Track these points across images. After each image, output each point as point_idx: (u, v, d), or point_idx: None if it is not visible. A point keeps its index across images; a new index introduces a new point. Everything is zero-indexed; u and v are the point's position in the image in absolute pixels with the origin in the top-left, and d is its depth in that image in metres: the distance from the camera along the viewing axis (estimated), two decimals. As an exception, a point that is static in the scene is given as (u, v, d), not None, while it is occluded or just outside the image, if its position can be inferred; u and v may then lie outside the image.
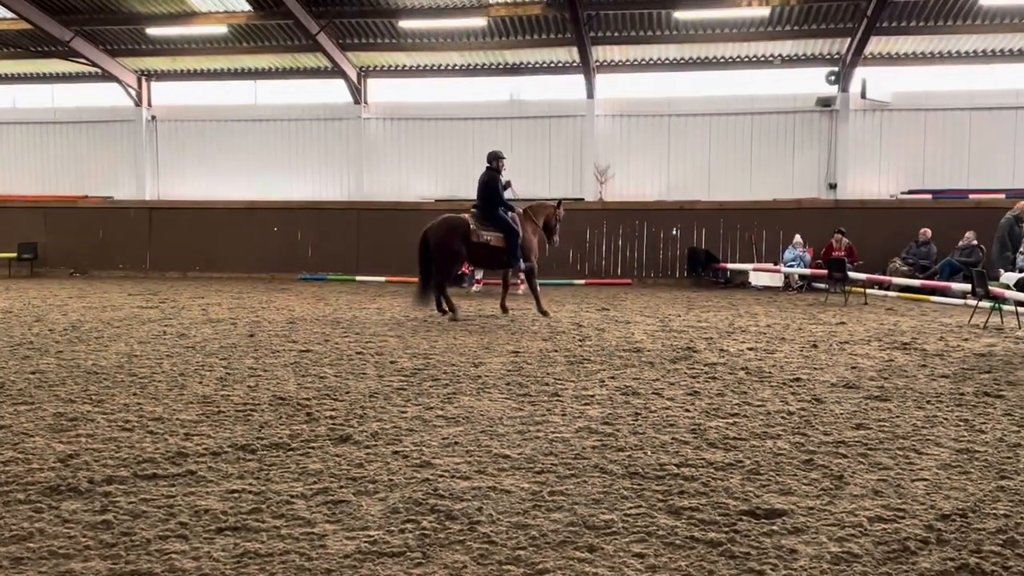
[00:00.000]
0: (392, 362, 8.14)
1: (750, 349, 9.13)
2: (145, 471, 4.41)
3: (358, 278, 21.66)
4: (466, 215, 12.09)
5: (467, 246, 11.87)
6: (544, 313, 12.36)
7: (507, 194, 12.41)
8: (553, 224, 13.09)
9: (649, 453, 4.81)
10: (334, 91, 24.72)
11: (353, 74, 24.00)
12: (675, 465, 4.57)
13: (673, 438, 5.16)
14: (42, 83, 26.16)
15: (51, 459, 4.63)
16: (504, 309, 12.71)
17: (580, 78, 23.01)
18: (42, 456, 4.69)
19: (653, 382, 7.08)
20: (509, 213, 12.16)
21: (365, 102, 24.53)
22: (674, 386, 6.92)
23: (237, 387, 6.76)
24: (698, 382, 7.10)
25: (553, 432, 5.30)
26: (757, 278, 19.84)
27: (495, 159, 12.36)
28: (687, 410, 5.98)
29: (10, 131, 26.58)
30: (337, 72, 23.68)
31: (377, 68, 24.35)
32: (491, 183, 12.16)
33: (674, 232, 21.58)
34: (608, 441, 5.08)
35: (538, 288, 12.68)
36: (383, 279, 20.96)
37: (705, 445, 5.01)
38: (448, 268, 11.95)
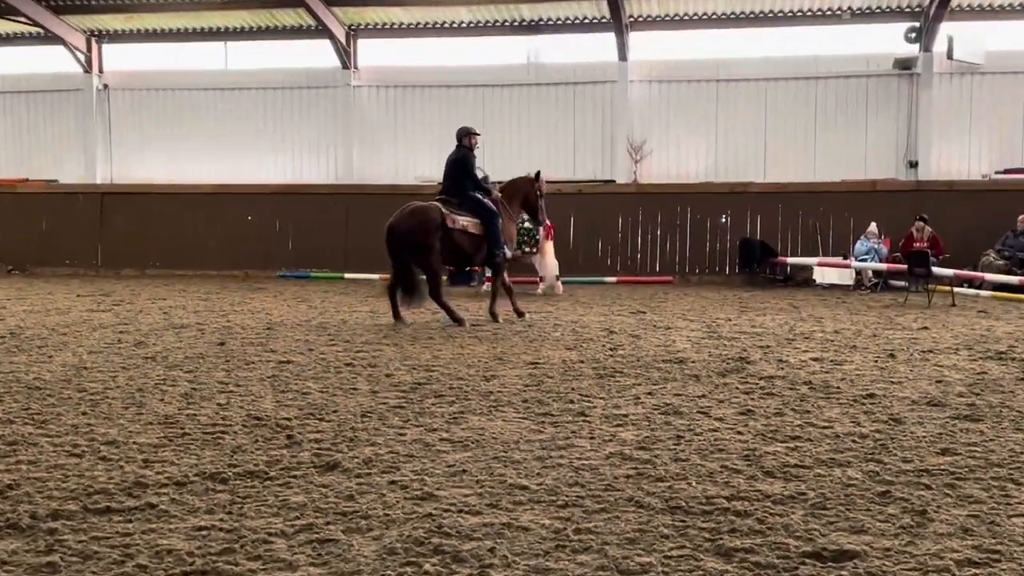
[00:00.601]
0: (388, 375, 8.16)
1: (814, 360, 9.09)
2: (97, 504, 4.44)
3: (347, 275, 21.76)
4: (435, 202, 12.11)
5: (441, 234, 11.78)
6: (494, 317, 12.34)
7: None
8: (535, 201, 13.14)
9: (694, 483, 4.80)
10: (319, 54, 24.83)
11: (341, 33, 24.10)
12: (725, 498, 4.55)
13: (722, 466, 5.15)
14: (-26, 46, 26.40)
15: (-13, 490, 4.67)
16: (519, 313, 12.68)
17: (610, 36, 23.01)
18: (-24, 486, 4.73)
19: (698, 399, 7.06)
20: (492, 195, 12.34)
21: (355, 67, 24.62)
22: (723, 404, 6.89)
23: (205, 405, 6.79)
24: (752, 399, 7.08)
25: (579, 458, 5.30)
26: (823, 275, 19.76)
27: (466, 135, 12.54)
28: (739, 432, 5.96)
29: (-65, 103, 26.84)
30: (322, 31, 23.78)
31: (369, 26, 24.44)
32: (463, 161, 12.31)
33: (723, 220, 21.54)
34: (645, 469, 5.07)
35: (507, 283, 12.74)
36: (376, 277, 21.02)
37: (761, 474, 4.99)
38: (429, 265, 11.85)
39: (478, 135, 12.74)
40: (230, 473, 4.96)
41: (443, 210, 11.84)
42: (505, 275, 12.84)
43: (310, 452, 5.43)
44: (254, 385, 7.66)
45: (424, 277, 11.94)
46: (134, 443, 5.62)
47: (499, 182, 13.54)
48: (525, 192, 13.06)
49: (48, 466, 5.11)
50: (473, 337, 10.81)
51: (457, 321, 11.75)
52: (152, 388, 7.47)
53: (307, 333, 11.19)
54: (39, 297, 16.13)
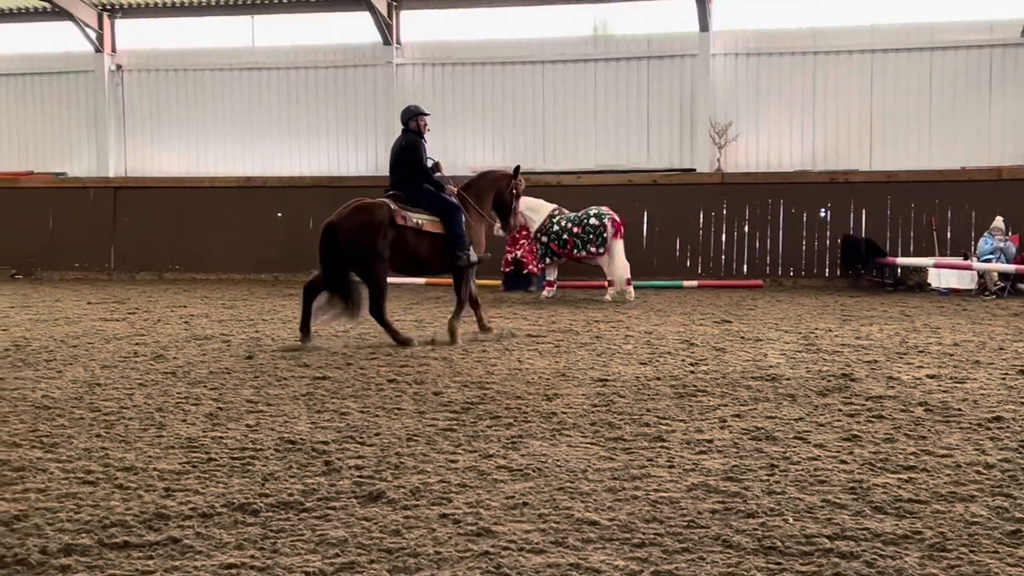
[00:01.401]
0: (436, 393, 8.22)
1: (930, 377, 8.97)
2: (114, 538, 4.53)
3: (390, 280, 21.94)
4: (383, 199, 11.56)
5: (390, 237, 11.21)
6: (452, 335, 11.51)
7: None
8: (509, 201, 12.64)
9: (791, 520, 4.77)
10: (357, 28, 25.08)
11: (382, 4, 24.32)
12: (827, 537, 4.52)
13: (824, 500, 5.11)
14: (-27, 23, 27.05)
15: (-8, 521, 4.79)
16: (483, 327, 12.02)
17: (690, 4, 22.92)
18: (-19, 517, 4.86)
19: (795, 423, 7.01)
20: (448, 187, 11.88)
21: (398, 42, 24.83)
22: (824, 428, 6.83)
23: (232, 427, 6.89)
24: (858, 423, 7.00)
25: (657, 490, 5.29)
26: (940, 277, 19.45)
27: (413, 117, 11.97)
28: (843, 461, 5.91)
29: (-67, 87, 27.54)
30: (360, 2, 24.01)
31: (414, -5, 24.63)
32: (410, 148, 11.77)
33: (822, 214, 21.33)
34: (733, 503, 5.05)
35: (472, 292, 12.08)
36: (422, 281, 21.15)
37: (869, 510, 4.94)
38: (373, 274, 11.26)
39: (427, 116, 12.16)
40: (261, 504, 5.03)
41: (392, 207, 11.29)
42: (473, 283, 12.15)
43: (350, 480, 5.49)
44: (286, 404, 7.75)
45: (366, 287, 11.34)
46: (154, 469, 5.73)
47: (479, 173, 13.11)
48: (499, 188, 12.50)
49: (59, 495, 5.23)
50: (532, 350, 10.84)
51: (402, 343, 11.16)
52: (173, 407, 7.60)
53: (344, 345, 11.30)
54: (46, 305, 16.49)
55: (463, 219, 11.67)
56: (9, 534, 4.61)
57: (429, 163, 11.92)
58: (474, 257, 11.76)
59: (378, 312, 11.30)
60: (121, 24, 26.43)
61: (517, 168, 12.84)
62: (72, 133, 26.65)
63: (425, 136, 12.03)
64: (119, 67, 26.36)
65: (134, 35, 26.45)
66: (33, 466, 5.81)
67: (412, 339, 11.35)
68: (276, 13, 25.50)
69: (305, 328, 11.23)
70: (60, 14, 25.51)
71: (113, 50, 26.31)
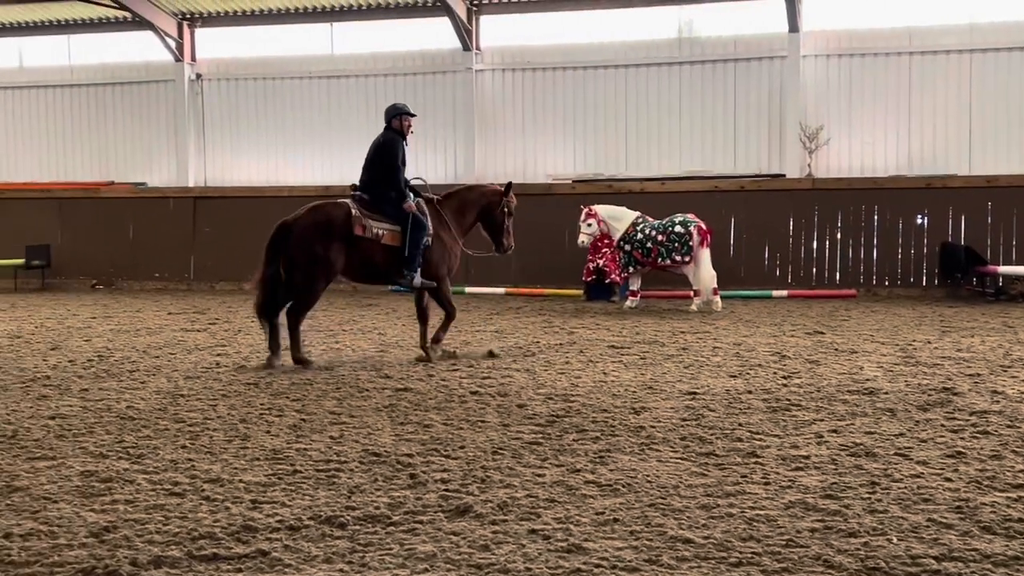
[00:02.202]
0: (520, 405, 8.25)
1: (1038, 391, 8.80)
2: (203, 550, 4.63)
3: (467, 290, 22.04)
4: (346, 199, 11.18)
5: (346, 245, 10.80)
6: (427, 354, 11.12)
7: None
8: (500, 220, 11.95)
9: (895, 540, 4.71)
10: (436, 34, 25.30)
11: (462, 9, 24.50)
12: (934, 558, 4.46)
13: (929, 519, 5.03)
14: (56, 33, 27.86)
15: (82, 533, 4.92)
16: (424, 352, 11.27)
17: (779, 4, 22.73)
18: (70, 529, 4.99)
19: (895, 438, 6.91)
20: (407, 201, 11.08)
21: (477, 48, 25.00)
22: (927, 444, 6.73)
23: (316, 438, 6.99)
24: (962, 439, 6.89)
25: (753, 507, 5.25)
26: (1044, 287, 19.00)
27: (396, 115, 11.47)
28: (948, 479, 5.82)
29: (15, 97, 28.43)
30: (440, 7, 24.23)
31: (495, 0, 24.75)
32: (385, 147, 11.28)
33: (919, 221, 20.96)
34: (833, 522, 5.00)
35: (426, 309, 11.57)
36: (502, 291, 21.23)
37: (977, 530, 4.86)
38: (312, 283, 10.82)
39: (412, 116, 11.63)
40: (348, 517, 5.10)
41: (353, 212, 10.86)
42: (426, 298, 11.59)
43: (436, 494, 5.54)
44: (369, 416, 7.84)
45: (299, 298, 10.88)
46: (240, 481, 5.84)
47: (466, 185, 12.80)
48: (486, 205, 11.91)
49: (147, 506, 5.35)
50: (617, 362, 10.82)
51: (300, 361, 10.62)
52: (256, 419, 7.73)
53: (438, 354, 11.38)
54: (127, 315, 16.86)
55: (424, 237, 11.10)
56: (99, 545, 4.73)
57: (418, 182, 11.63)
58: (418, 282, 11.11)
59: (295, 319, 10.82)
60: (201, 33, 26.98)
61: (509, 185, 12.19)
62: (152, 143, 27.25)
63: (407, 138, 11.56)
64: (199, 76, 26.90)
65: (213, 44, 26.98)
66: (120, 477, 5.95)
67: (313, 362, 10.73)
68: (355, 20, 25.82)
69: (274, 347, 10.75)
70: (140, 24, 26.11)
71: (193, 59, 26.86)
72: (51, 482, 5.87)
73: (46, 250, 24.61)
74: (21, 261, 24.11)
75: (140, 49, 27.20)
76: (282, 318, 10.88)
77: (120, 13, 26.09)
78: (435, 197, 11.74)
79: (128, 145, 27.52)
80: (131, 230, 25.15)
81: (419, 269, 11.11)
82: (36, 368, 10.53)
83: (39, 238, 24.89)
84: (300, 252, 10.69)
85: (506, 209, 11.96)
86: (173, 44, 26.50)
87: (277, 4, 25.79)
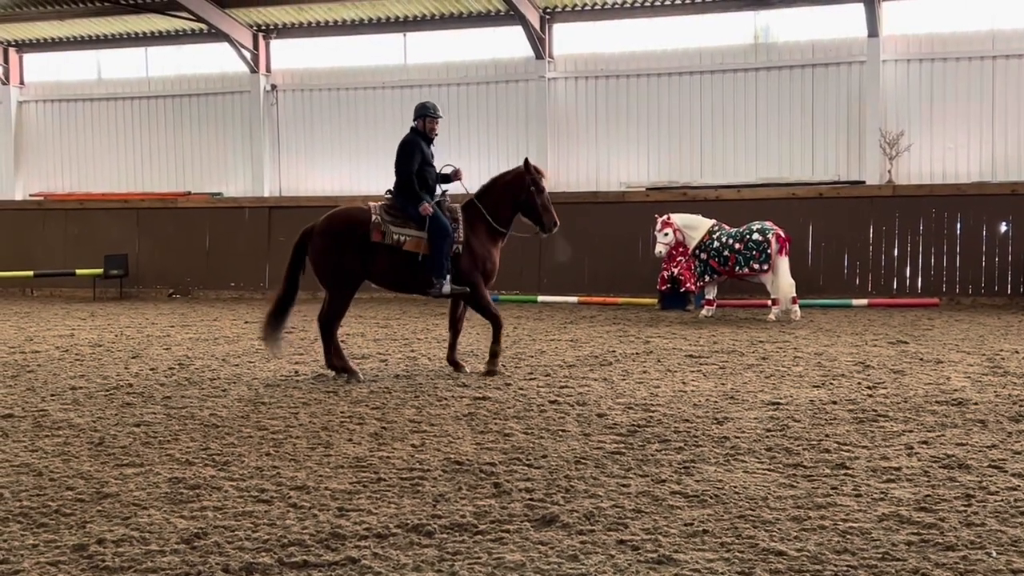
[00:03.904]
0: (600, 415, 8.25)
1: None
2: (293, 557, 4.69)
3: (540, 299, 22.04)
4: (373, 203, 10.93)
5: (364, 253, 10.56)
6: (342, 369, 10.57)
7: (444, 189, 11.18)
8: (531, 200, 11.11)
9: (994, 554, 4.63)
10: (509, 42, 25.37)
11: (535, 18, 24.55)
12: (1036, 573, 4.38)
13: (1029, 533, 4.94)
14: (133, 46, 28.39)
15: (173, 539, 5.01)
16: (455, 364, 11.03)
17: (858, 8, 22.48)
18: (161, 535, 5.08)
19: (988, 450, 6.80)
20: (423, 204, 10.59)
21: (550, 56, 25.02)
22: (1021, 456, 6.63)
23: (398, 446, 7.05)
24: (1058, 451, 6.76)
25: (845, 520, 5.20)
26: None
27: (422, 116, 11.06)
28: (1045, 492, 5.71)
29: (94, 109, 29.01)
30: (513, 16, 24.30)
31: (567, 8, 24.79)
32: (402, 148, 10.93)
33: (1003, 228, 20.57)
34: (929, 535, 4.93)
35: (459, 319, 11.15)
36: (574, 299, 21.20)
37: (1080, 545, 4.76)
38: (332, 290, 10.77)
39: (438, 118, 11.11)
40: (435, 525, 5.13)
41: (373, 218, 10.57)
42: (461, 308, 11.16)
43: (521, 503, 5.55)
44: (449, 424, 7.88)
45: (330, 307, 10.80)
46: (325, 488, 5.90)
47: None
48: (512, 191, 11.14)
49: (235, 513, 5.43)
50: (695, 371, 10.75)
51: (341, 370, 10.48)
52: (338, 426, 7.81)
53: (503, 366, 11.40)
54: (204, 324, 17.11)
55: (450, 243, 10.59)
56: (191, 552, 4.80)
57: (448, 170, 11.18)
58: (447, 289, 10.55)
59: (326, 327, 10.74)
60: (276, 44, 27.34)
61: (526, 161, 11.31)
62: (228, 153, 27.64)
63: (432, 139, 11.13)
64: (274, 87, 27.24)
65: (288, 55, 27.32)
66: (208, 484, 6.05)
67: (358, 372, 10.48)
68: (428, 30, 25.98)
69: (344, 370, 10.51)
70: (217, 36, 26.53)
71: (268, 70, 27.22)
72: (140, 489, 5.98)
73: (124, 260, 25.06)
74: (100, 271, 24.57)
75: (216, 61, 27.64)
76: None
77: (197, 25, 26.51)
78: (472, 197, 11.23)
79: (204, 156, 27.95)
80: (207, 239, 25.52)
81: (449, 276, 10.58)
82: (119, 376, 10.73)
83: (117, 248, 25.35)
84: (317, 258, 10.74)
85: (533, 187, 11.13)
86: (248, 55, 26.87)
87: (351, 15, 26.04)
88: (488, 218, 11.02)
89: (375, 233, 10.52)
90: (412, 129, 11.14)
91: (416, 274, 10.65)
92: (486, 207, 11.06)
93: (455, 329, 11.19)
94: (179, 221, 25.74)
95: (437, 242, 10.52)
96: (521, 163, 11.36)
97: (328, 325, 10.75)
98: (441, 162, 11.37)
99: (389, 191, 11.08)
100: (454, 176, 11.23)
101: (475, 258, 10.87)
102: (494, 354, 10.90)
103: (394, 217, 10.65)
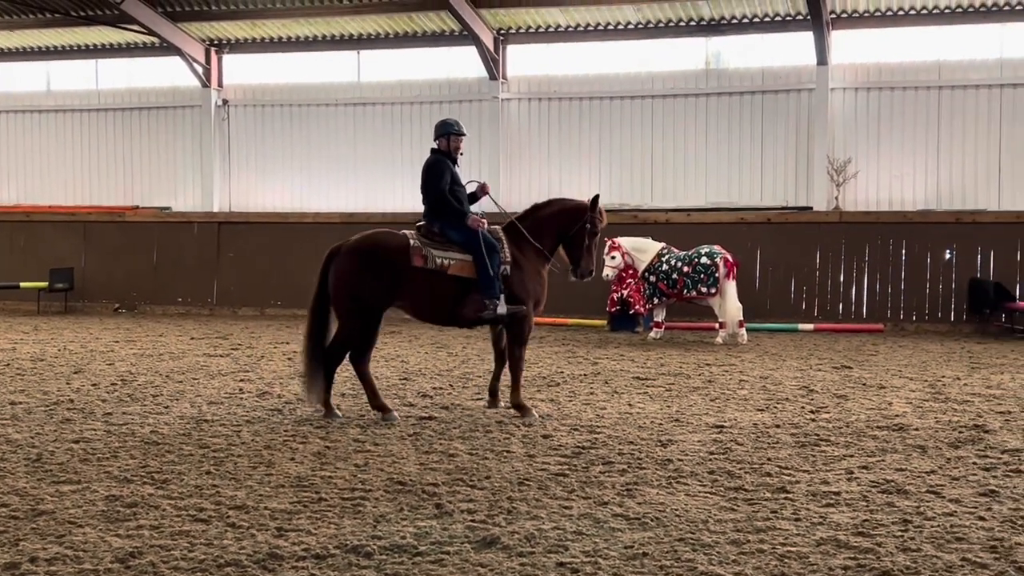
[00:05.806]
0: (545, 436, 8.25)
1: (1071, 430, 8.72)
2: (228, 578, 4.63)
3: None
4: (408, 230, 10.03)
5: (400, 277, 9.56)
6: (522, 411, 9.50)
7: (474, 206, 10.31)
8: (583, 240, 10.27)
9: (928, 580, 4.67)
10: (462, 62, 25.40)
11: (488, 39, 24.61)
12: (969, 599, 4.42)
13: (964, 559, 4.99)
14: (83, 57, 28.08)
15: (107, 558, 4.93)
16: (493, 396, 10.15)
17: (807, 36, 22.73)
18: (95, 554, 5.01)
19: (926, 475, 6.87)
20: (470, 217, 9.88)
21: (504, 77, 25.08)
22: (959, 482, 6.68)
23: (340, 466, 7.00)
24: (994, 477, 6.85)
25: (783, 544, 5.22)
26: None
27: (444, 134, 10.13)
28: (981, 518, 5.77)
29: (41, 121, 28.64)
30: (467, 37, 24.34)
31: (521, 30, 24.88)
32: (430, 170, 9.99)
33: (947, 256, 20.87)
34: (866, 560, 4.96)
35: (518, 356, 9.87)
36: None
37: (1013, 570, 4.81)
38: (360, 323, 9.61)
39: (462, 135, 10.21)
40: (374, 546, 5.09)
41: (412, 242, 9.66)
42: (505, 337, 10.09)
43: (463, 524, 5.53)
44: (393, 444, 7.85)
45: (344, 340, 9.67)
46: (265, 508, 5.84)
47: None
48: (563, 221, 10.30)
49: (172, 532, 5.36)
50: (642, 394, 10.79)
51: (379, 408, 9.45)
52: (280, 445, 7.75)
53: (446, 383, 11.39)
54: (150, 339, 16.94)
55: (499, 260, 9.75)
56: (125, 571, 4.73)
57: (473, 186, 10.25)
58: (503, 309, 9.63)
59: (357, 363, 9.69)
60: (229, 60, 27.17)
61: (596, 198, 10.40)
62: (177, 167, 27.40)
63: (457, 159, 10.20)
64: (225, 102, 27.07)
65: (241, 70, 27.15)
66: (145, 502, 5.97)
67: (393, 413, 9.36)
68: (382, 48, 25.95)
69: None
70: (168, 49, 26.33)
71: (220, 85, 27.04)
72: (76, 506, 5.90)
73: (69, 273, 24.81)
74: (45, 284, 24.29)
75: (168, 74, 27.39)
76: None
77: (148, 38, 26.30)
78: (513, 217, 10.41)
79: (154, 169, 27.68)
80: (155, 254, 25.32)
81: (503, 296, 9.68)
82: (60, 391, 10.59)
83: (63, 261, 25.11)
84: (343, 279, 9.58)
85: (589, 226, 10.26)
86: (200, 70, 26.69)
87: (304, 31, 25.96)
88: (533, 241, 10.11)
89: (416, 258, 9.57)
90: (433, 150, 10.19)
91: (459, 300, 9.72)
92: (529, 230, 10.19)
93: (500, 359, 10.26)
94: (127, 235, 25.54)
95: (487, 259, 9.65)
96: (571, 196, 10.75)
97: (359, 360, 9.67)
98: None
99: (420, 222, 10.15)
100: (481, 192, 10.34)
101: (525, 277, 9.98)
102: (518, 402, 9.65)
103: (434, 241, 9.78)
